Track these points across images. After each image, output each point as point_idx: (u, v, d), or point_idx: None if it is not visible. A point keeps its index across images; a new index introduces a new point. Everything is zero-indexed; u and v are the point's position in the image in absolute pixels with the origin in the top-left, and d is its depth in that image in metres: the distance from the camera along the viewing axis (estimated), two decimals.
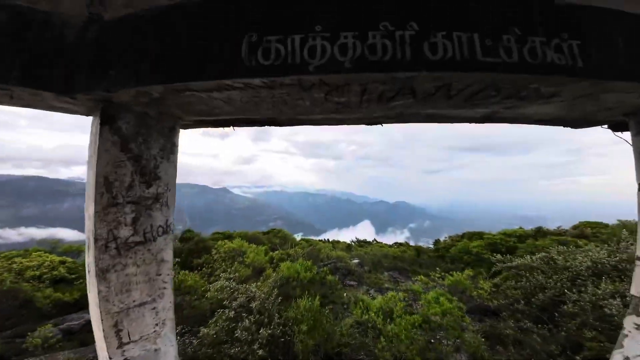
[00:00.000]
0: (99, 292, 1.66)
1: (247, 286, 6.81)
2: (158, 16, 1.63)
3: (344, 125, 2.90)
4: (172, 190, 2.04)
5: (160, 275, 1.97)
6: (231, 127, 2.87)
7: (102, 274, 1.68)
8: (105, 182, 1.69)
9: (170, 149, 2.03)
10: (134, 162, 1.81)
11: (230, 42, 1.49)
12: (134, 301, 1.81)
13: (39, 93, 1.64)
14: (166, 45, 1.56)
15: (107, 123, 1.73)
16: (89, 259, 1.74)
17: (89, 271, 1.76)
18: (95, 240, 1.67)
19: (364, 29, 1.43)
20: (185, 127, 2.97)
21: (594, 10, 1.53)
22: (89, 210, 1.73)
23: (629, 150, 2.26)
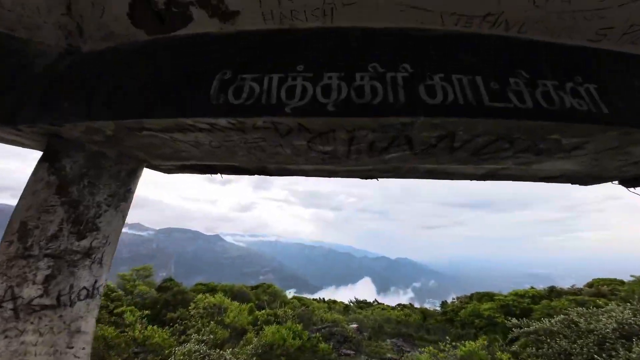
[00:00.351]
0: None
1: (221, 352, 5.79)
2: (128, 51, 1.51)
3: (337, 178, 2.69)
4: (113, 245, 1.67)
5: (71, 348, 1.48)
6: (218, 174, 2.66)
7: None
8: (20, 229, 1.35)
9: (122, 196, 1.73)
10: (69, 208, 1.49)
11: (197, 79, 1.32)
12: None
13: None
14: (123, 80, 1.40)
15: (48, 160, 1.48)
16: None
17: None
18: None
19: (351, 70, 1.27)
20: (168, 171, 2.75)
21: (606, 52, 1.39)
22: None
23: (627, 205, 1.94)
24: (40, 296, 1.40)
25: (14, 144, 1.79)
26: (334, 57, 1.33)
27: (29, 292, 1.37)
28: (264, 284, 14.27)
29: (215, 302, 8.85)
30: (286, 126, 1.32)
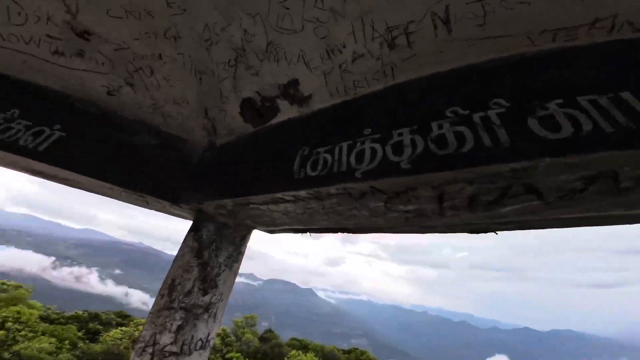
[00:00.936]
0: None
1: None
2: (242, 142, 2.03)
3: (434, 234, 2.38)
4: (225, 301, 1.98)
5: None
6: (307, 233, 2.90)
7: None
8: (170, 285, 1.81)
9: (235, 257, 2.11)
10: (201, 269, 1.92)
11: (284, 158, 1.58)
12: None
13: (162, 202, 2.12)
14: (238, 165, 1.85)
15: (193, 230, 2.01)
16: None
17: None
18: (138, 341, 1.66)
19: (425, 121, 1.17)
20: (270, 232, 3.21)
21: None
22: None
23: None
24: (171, 343, 1.74)
25: (179, 216, 2.52)
26: (401, 112, 1.29)
27: (165, 339, 1.73)
28: (357, 349, 12.98)
29: None
30: (358, 190, 1.32)
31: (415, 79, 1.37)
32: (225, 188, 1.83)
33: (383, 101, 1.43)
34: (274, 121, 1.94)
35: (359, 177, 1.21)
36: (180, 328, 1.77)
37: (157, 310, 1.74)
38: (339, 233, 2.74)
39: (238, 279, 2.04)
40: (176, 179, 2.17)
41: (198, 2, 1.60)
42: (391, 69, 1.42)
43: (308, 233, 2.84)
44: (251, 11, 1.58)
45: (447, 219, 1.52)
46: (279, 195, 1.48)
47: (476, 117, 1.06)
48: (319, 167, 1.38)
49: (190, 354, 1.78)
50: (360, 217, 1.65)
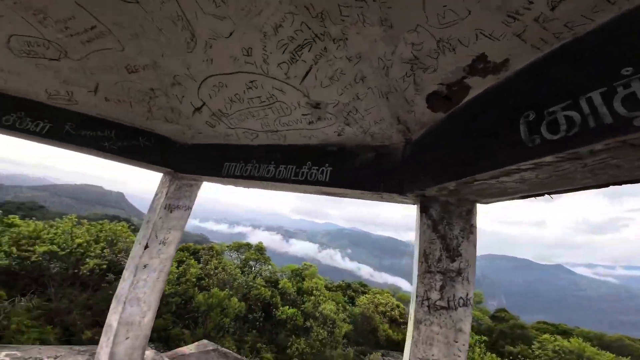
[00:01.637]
0: (412, 337, 2.19)
1: None
2: (435, 130, 2.25)
3: None
4: (472, 267, 2.25)
5: (456, 342, 2.14)
6: (544, 196, 2.61)
7: (417, 323, 2.22)
8: (423, 254, 2.36)
9: (469, 230, 2.34)
10: (442, 240, 2.34)
11: (499, 131, 1.59)
12: (432, 355, 2.13)
13: (391, 195, 2.80)
14: (439, 148, 2.07)
15: (423, 211, 2.48)
16: (411, 309, 2.38)
17: (410, 318, 2.40)
18: (416, 296, 2.29)
19: None
20: (486, 203, 3.18)
21: None
22: (414, 272, 2.45)
23: None
24: (439, 299, 2.25)
25: (400, 202, 3.14)
26: None
27: (434, 295, 2.26)
28: None
29: (572, 348, 7.01)
30: None
31: None
32: (442, 174, 2.13)
33: (620, 32, 1.14)
34: (467, 99, 2.02)
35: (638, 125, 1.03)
36: (442, 287, 2.26)
37: (422, 273, 2.33)
38: (599, 188, 2.25)
39: None
40: (394, 176, 2.76)
41: (369, 48, 2.05)
42: None
43: (546, 195, 2.54)
44: (411, 27, 1.81)
45: None
46: (512, 167, 1.51)
47: None
48: (563, 127, 1.26)
49: (455, 309, 2.21)
50: None
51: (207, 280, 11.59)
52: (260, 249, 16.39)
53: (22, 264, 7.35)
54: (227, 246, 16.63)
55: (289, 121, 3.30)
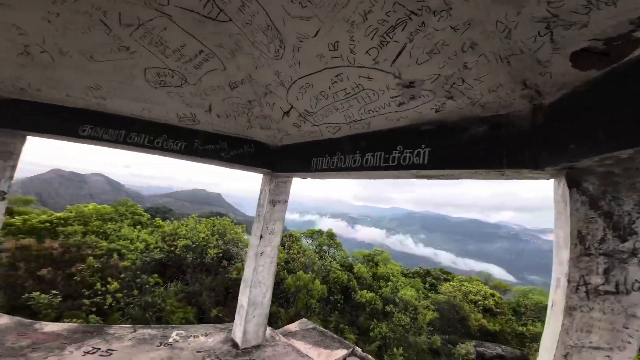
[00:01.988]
0: (562, 324, 1.94)
1: None
2: (581, 92, 1.83)
3: None
4: None
5: (627, 329, 1.81)
6: None
7: (569, 310, 1.96)
8: (578, 235, 2.05)
9: None
10: (605, 218, 1.98)
11: None
12: (590, 342, 1.85)
13: (519, 171, 2.50)
14: (623, 111, 1.69)
15: (573, 186, 2.14)
16: (556, 296, 2.11)
17: (552, 306, 2.13)
18: (568, 282, 2.02)
19: None
20: None
21: None
22: (560, 256, 2.17)
23: None
24: (603, 284, 1.94)
25: (532, 178, 2.77)
26: None
27: (595, 280, 1.95)
28: None
29: None
30: None
31: None
32: (607, 139, 1.78)
33: None
34: (632, 55, 1.63)
35: None
36: (607, 270, 1.93)
37: (575, 257, 2.04)
38: None
39: None
40: (521, 148, 2.44)
41: (481, 11, 1.78)
42: None
43: None
44: None
45: None
46: None
47: None
48: None
49: (628, 293, 1.88)
50: None
51: (292, 263, 12.72)
52: (330, 235, 17.04)
53: (168, 256, 9.49)
54: (302, 233, 17.79)
55: (374, 107, 3.24)
